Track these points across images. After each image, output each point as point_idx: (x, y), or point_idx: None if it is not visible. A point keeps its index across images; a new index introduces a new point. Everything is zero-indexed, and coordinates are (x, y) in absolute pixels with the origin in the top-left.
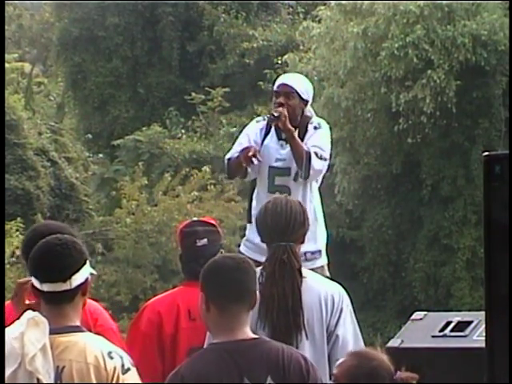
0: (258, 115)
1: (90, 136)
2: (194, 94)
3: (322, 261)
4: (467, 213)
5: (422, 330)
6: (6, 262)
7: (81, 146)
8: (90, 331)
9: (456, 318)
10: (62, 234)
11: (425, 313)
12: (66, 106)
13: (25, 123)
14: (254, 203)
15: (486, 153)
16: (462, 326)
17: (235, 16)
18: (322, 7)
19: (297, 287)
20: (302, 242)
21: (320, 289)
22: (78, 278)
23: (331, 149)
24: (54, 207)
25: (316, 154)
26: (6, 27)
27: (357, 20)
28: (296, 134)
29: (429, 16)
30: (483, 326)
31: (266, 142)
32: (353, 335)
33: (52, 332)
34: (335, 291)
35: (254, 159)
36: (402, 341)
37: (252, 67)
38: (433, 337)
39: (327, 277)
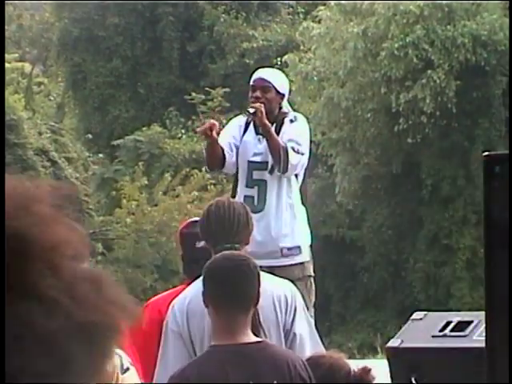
0: None
1: (89, 136)
2: (193, 93)
3: (303, 257)
4: (467, 213)
5: (422, 330)
6: None
7: (81, 146)
8: None
9: (456, 317)
10: None
11: (425, 313)
12: (66, 105)
13: (25, 123)
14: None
15: (486, 153)
16: (462, 325)
17: (235, 16)
18: (322, 7)
19: None
20: (247, 243)
21: (272, 289)
22: None
23: (310, 141)
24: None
25: (293, 148)
26: (6, 27)
27: (357, 20)
28: (272, 129)
29: (429, 16)
30: (483, 326)
31: (244, 137)
32: (309, 332)
33: None
34: (287, 290)
35: (211, 132)
36: (402, 341)
37: (252, 67)
38: (433, 337)
39: (309, 275)
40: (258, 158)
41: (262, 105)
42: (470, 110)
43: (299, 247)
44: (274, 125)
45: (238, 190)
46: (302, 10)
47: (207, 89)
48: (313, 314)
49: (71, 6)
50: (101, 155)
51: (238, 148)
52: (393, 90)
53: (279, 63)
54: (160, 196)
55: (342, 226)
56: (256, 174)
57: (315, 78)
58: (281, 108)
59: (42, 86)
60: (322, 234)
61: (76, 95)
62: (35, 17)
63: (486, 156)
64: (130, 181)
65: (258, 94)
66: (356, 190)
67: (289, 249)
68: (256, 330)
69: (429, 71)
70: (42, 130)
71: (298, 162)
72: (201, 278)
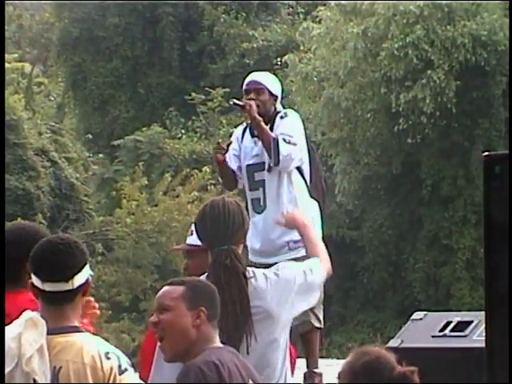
0: None
1: (90, 136)
2: (194, 94)
3: None
4: (467, 213)
5: (422, 330)
6: None
7: (81, 146)
8: None
9: (456, 318)
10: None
11: (425, 313)
12: (66, 106)
13: (25, 123)
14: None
15: (486, 153)
16: (462, 325)
17: (235, 16)
18: (322, 7)
19: (244, 292)
20: (243, 243)
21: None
22: (79, 279)
23: (304, 134)
24: (54, 207)
25: (284, 140)
26: (6, 27)
27: (357, 20)
28: (263, 123)
29: (429, 16)
30: (483, 326)
31: (242, 144)
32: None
33: (50, 332)
34: (263, 273)
35: (221, 156)
36: (402, 341)
37: (252, 67)
38: (433, 337)
39: None
40: (255, 160)
41: (253, 101)
42: (470, 110)
43: None
44: (269, 125)
45: (246, 195)
46: (302, 10)
47: (207, 89)
48: (322, 311)
49: (71, 6)
50: (101, 155)
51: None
52: (393, 90)
53: (279, 63)
54: (160, 196)
55: (341, 226)
56: (257, 176)
57: (315, 79)
58: (275, 110)
59: (42, 86)
60: (322, 234)
61: (76, 95)
62: (35, 17)
63: (485, 156)
64: (130, 181)
65: (251, 96)
66: (356, 190)
67: (295, 242)
68: (249, 334)
69: (429, 71)
70: (42, 130)
71: (290, 152)
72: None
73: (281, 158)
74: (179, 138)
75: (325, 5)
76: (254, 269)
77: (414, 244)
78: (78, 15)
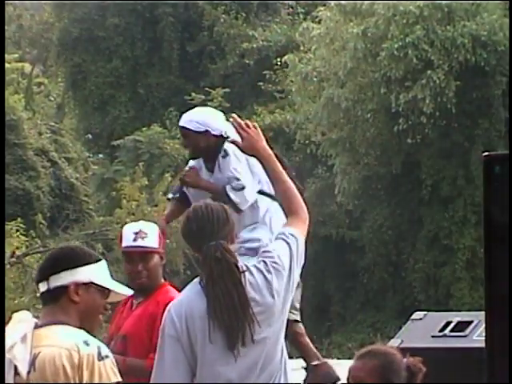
0: (259, 115)
1: (90, 136)
2: (194, 94)
3: None
4: (467, 213)
5: (422, 330)
6: (6, 262)
7: (81, 146)
8: None
9: (456, 318)
10: None
11: (425, 313)
12: (66, 106)
13: (25, 123)
14: None
15: (486, 153)
16: (462, 326)
17: (235, 16)
18: (322, 8)
19: (238, 281)
20: (232, 242)
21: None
22: (56, 280)
23: (247, 160)
24: (54, 207)
25: (232, 188)
26: (6, 27)
27: (356, 20)
28: (204, 184)
29: (428, 16)
30: (483, 326)
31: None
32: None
33: (36, 327)
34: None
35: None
36: (402, 341)
37: (252, 67)
38: (433, 337)
39: None
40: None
41: (187, 171)
42: (470, 110)
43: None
44: (216, 162)
45: None
46: (302, 11)
47: (207, 89)
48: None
49: (71, 6)
50: (101, 155)
51: None
52: (393, 91)
53: (279, 63)
54: (160, 196)
55: (341, 226)
56: None
57: (315, 79)
58: (217, 143)
59: (42, 86)
60: (321, 234)
61: (76, 95)
62: (35, 17)
63: (485, 156)
64: (130, 181)
65: (183, 142)
66: (356, 190)
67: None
68: (251, 322)
69: (429, 71)
70: (42, 130)
71: (244, 196)
72: (195, 280)
73: (237, 205)
74: (179, 138)
75: (325, 5)
76: (246, 263)
77: (414, 244)
78: (78, 15)
